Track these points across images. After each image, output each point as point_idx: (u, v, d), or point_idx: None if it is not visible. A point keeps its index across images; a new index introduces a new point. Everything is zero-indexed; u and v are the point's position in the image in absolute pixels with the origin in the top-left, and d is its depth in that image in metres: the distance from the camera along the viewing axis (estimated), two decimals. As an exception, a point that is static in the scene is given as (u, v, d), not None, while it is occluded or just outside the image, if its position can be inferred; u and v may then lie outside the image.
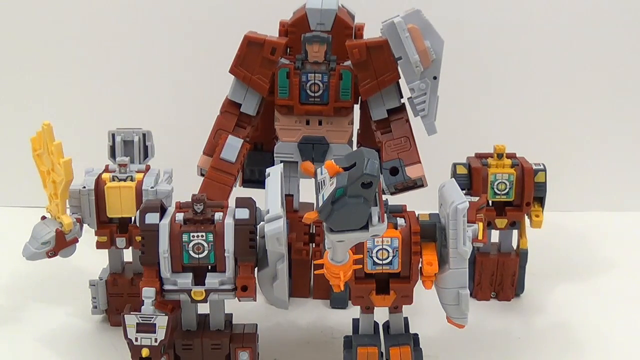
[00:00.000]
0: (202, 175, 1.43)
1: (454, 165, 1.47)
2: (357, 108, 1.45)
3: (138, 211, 1.14)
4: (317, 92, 1.39)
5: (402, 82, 1.38)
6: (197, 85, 1.91)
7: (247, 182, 1.53)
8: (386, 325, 1.21)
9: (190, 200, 1.15)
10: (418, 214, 1.15)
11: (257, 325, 1.24)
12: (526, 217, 1.48)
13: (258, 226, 1.15)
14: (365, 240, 1.01)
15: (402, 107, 1.42)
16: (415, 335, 1.20)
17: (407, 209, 1.16)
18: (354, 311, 1.22)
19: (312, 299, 1.51)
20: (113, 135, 1.41)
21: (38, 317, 1.43)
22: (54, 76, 1.93)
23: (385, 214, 0.95)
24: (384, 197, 1.06)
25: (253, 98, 1.42)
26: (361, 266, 1.11)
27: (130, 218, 1.33)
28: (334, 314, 1.46)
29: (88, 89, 1.94)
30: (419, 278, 1.13)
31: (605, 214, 1.95)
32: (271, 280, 1.16)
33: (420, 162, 1.40)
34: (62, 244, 1.27)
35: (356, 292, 1.15)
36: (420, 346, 1.20)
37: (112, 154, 1.41)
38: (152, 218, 1.13)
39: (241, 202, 1.15)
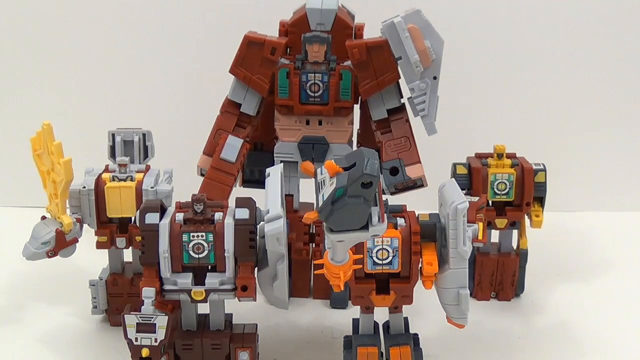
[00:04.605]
0: (202, 175, 1.43)
1: (454, 165, 1.47)
2: (357, 108, 1.45)
3: (138, 211, 1.14)
4: (317, 92, 1.39)
5: (402, 82, 1.38)
6: (197, 85, 1.91)
7: (247, 182, 1.53)
8: (386, 325, 1.21)
9: (190, 200, 1.15)
10: (418, 214, 1.15)
11: (257, 325, 1.24)
12: (526, 217, 1.48)
13: (258, 226, 1.15)
14: (365, 240, 1.00)
15: (402, 107, 1.42)
16: (415, 335, 1.20)
17: (407, 209, 1.16)
18: (354, 311, 1.21)
19: (312, 299, 1.51)
20: (113, 135, 1.41)
21: (38, 317, 1.43)
22: (54, 76, 1.93)
23: (385, 214, 0.95)
24: (384, 197, 1.06)
25: (253, 98, 1.42)
26: (361, 266, 1.11)
27: (130, 218, 1.33)
28: (334, 314, 1.46)
29: (88, 89, 1.94)
30: (419, 278, 1.13)
31: (605, 214, 1.95)
32: (271, 280, 1.16)
33: (420, 162, 1.40)
34: (62, 244, 1.27)
35: (356, 292, 1.15)
36: (420, 346, 1.20)
37: (112, 154, 1.41)
38: (152, 218, 1.13)
39: (241, 202, 1.15)
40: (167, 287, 1.14)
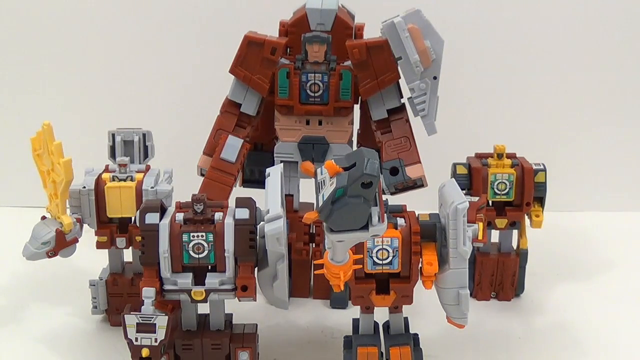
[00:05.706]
0: (202, 175, 1.43)
1: (454, 165, 1.47)
2: (357, 108, 1.46)
3: (138, 211, 1.14)
4: (317, 92, 1.39)
5: (402, 82, 1.38)
6: (197, 85, 1.91)
7: (247, 182, 1.53)
8: (386, 325, 1.21)
9: (190, 200, 1.15)
10: (418, 214, 1.15)
11: (257, 325, 1.24)
12: (526, 217, 1.48)
13: (258, 226, 1.15)
14: (365, 240, 1.00)
15: (402, 107, 1.42)
16: (415, 335, 1.20)
17: (407, 209, 1.16)
18: (354, 311, 1.21)
19: (312, 299, 1.51)
20: (113, 135, 1.41)
21: (38, 317, 1.43)
22: (54, 76, 1.93)
23: (385, 214, 0.95)
24: (384, 197, 1.06)
25: (253, 98, 1.42)
26: (361, 266, 1.11)
27: (130, 218, 1.33)
28: (334, 314, 1.46)
29: (88, 89, 1.94)
30: (419, 278, 1.13)
31: (605, 214, 1.95)
32: (271, 280, 1.16)
33: (420, 162, 1.40)
34: (62, 244, 1.27)
35: (356, 292, 1.15)
36: (420, 346, 1.20)
37: (112, 154, 1.41)
38: (152, 218, 1.13)
39: (241, 202, 1.15)
40: (167, 287, 1.14)
